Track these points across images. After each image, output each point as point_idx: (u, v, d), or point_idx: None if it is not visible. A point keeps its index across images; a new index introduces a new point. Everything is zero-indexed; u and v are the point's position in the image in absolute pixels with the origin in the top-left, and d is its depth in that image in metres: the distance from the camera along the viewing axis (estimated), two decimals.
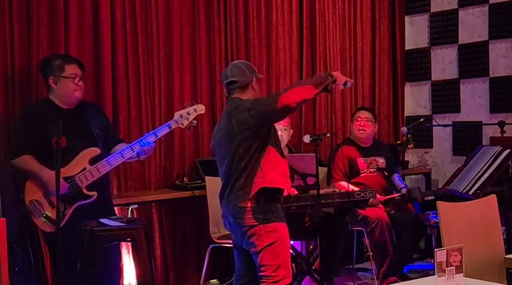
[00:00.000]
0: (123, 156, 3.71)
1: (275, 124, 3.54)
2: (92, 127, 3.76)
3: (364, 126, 4.99)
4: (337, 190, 4.19)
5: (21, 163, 3.61)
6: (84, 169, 3.62)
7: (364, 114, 5.02)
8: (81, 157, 3.63)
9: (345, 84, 3.42)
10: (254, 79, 3.52)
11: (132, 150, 3.72)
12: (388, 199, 4.82)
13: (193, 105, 3.84)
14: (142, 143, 3.71)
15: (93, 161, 3.65)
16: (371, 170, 4.96)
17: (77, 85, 3.70)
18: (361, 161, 4.96)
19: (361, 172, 4.93)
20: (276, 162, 3.39)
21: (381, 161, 5.03)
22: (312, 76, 3.36)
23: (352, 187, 4.60)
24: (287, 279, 3.35)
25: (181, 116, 3.80)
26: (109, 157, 3.71)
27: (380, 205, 4.73)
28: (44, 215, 3.51)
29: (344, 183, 4.75)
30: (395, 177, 5.13)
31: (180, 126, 3.81)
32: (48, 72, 3.71)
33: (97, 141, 3.74)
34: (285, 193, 3.59)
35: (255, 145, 3.33)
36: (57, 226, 3.23)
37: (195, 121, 3.85)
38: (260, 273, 3.35)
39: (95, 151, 3.68)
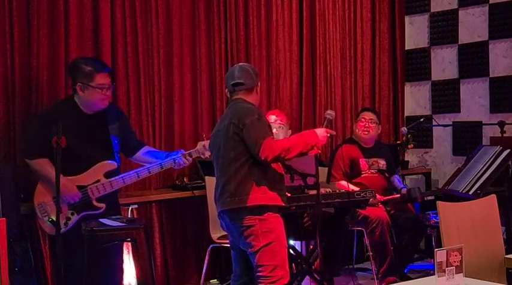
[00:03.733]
0: (138, 176, 3.70)
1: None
2: (111, 136, 3.71)
3: (368, 127, 4.98)
4: (337, 190, 4.19)
5: (37, 166, 3.58)
6: (98, 181, 3.59)
7: (369, 115, 5.01)
8: (97, 169, 3.60)
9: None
10: (259, 83, 3.56)
11: (161, 167, 3.73)
12: (388, 200, 4.82)
13: None
14: (177, 159, 3.73)
15: (108, 174, 3.63)
16: (372, 171, 4.96)
17: (104, 95, 3.64)
18: (363, 161, 4.95)
19: (363, 172, 4.93)
20: (273, 177, 3.41)
21: (382, 162, 5.02)
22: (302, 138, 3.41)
23: (352, 187, 4.60)
24: (284, 279, 3.36)
25: (204, 146, 3.77)
26: (125, 174, 3.67)
27: (380, 205, 4.73)
28: (50, 219, 3.51)
29: (344, 182, 4.75)
30: (395, 178, 5.12)
31: (202, 156, 3.82)
32: (77, 77, 3.62)
33: (114, 152, 3.70)
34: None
35: (247, 155, 3.34)
36: (57, 225, 3.23)
37: None
38: (257, 274, 3.35)
39: (112, 165, 3.64)
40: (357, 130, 5.04)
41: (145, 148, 3.93)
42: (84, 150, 3.43)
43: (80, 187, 3.55)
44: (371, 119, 4.99)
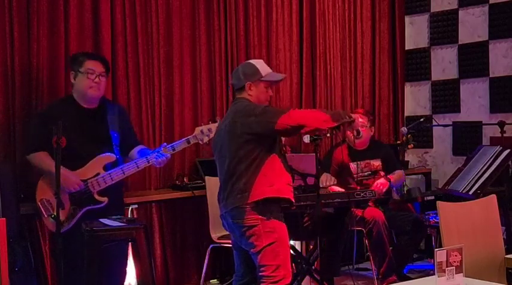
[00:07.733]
0: (138, 166, 3.68)
1: None
2: (110, 131, 3.70)
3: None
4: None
5: (36, 160, 3.59)
6: (98, 174, 3.59)
7: (360, 120, 4.91)
8: (96, 162, 3.60)
9: (358, 133, 3.47)
10: (250, 83, 3.47)
11: (148, 161, 3.69)
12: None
13: (215, 122, 3.77)
14: (157, 156, 3.70)
15: (108, 167, 3.62)
16: (364, 174, 4.86)
17: (92, 82, 3.62)
18: (352, 165, 4.85)
19: (354, 175, 4.84)
20: (281, 171, 3.41)
21: (377, 163, 4.91)
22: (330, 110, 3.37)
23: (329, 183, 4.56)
24: (287, 279, 3.36)
25: (202, 132, 3.75)
26: (124, 165, 3.66)
27: (371, 204, 4.67)
28: (53, 215, 3.50)
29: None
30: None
31: (200, 142, 3.78)
32: (71, 67, 3.68)
33: (113, 146, 3.69)
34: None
35: (257, 150, 3.34)
36: (57, 225, 3.23)
37: None
38: (260, 274, 3.35)
39: (111, 157, 3.64)
40: (348, 134, 4.84)
41: (139, 147, 3.92)
42: (83, 146, 3.43)
43: None
44: (362, 124, 4.88)
